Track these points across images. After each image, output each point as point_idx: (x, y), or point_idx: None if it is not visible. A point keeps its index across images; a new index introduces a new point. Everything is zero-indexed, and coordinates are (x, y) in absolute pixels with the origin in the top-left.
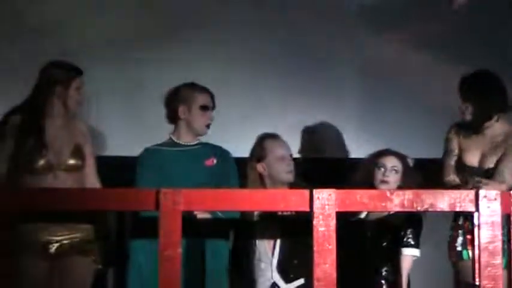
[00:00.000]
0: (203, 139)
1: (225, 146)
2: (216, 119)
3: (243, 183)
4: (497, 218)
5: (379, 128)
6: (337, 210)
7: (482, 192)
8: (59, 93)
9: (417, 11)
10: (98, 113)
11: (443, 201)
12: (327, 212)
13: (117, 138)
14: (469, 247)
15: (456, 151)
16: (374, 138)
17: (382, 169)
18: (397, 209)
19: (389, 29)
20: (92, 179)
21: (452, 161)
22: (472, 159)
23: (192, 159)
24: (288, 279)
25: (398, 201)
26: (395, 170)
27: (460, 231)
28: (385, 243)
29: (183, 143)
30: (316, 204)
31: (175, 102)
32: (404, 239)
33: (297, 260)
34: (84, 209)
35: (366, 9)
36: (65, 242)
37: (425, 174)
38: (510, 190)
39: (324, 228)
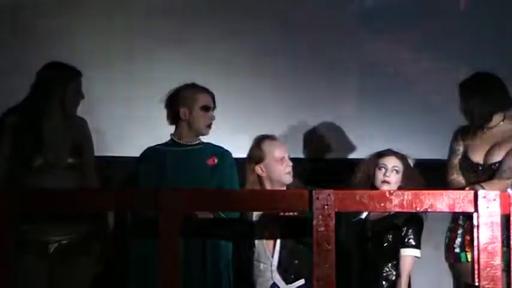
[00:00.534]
0: (205, 139)
1: (225, 146)
2: (217, 119)
3: (243, 183)
4: (497, 219)
5: (380, 128)
6: (336, 210)
7: (481, 192)
8: (57, 93)
9: (416, 12)
10: (98, 113)
11: (443, 201)
12: (327, 213)
13: (116, 138)
14: (468, 249)
15: (460, 150)
16: (375, 138)
17: (383, 169)
18: (397, 209)
19: (389, 31)
20: (91, 178)
21: (456, 161)
22: (478, 156)
23: (193, 159)
24: (288, 280)
25: (397, 201)
26: (396, 170)
27: (459, 233)
28: (385, 244)
29: (184, 143)
30: (316, 204)
31: (176, 104)
32: (405, 240)
33: (297, 260)
34: (82, 211)
35: (366, 12)
36: (63, 241)
37: (426, 174)
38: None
39: (323, 229)
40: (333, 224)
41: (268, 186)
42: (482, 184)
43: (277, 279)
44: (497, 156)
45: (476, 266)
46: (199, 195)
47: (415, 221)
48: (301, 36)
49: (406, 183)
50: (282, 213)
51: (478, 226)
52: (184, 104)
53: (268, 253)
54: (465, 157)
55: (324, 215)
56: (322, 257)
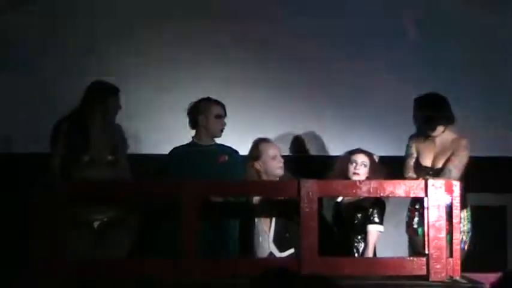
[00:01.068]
0: (218, 141)
1: (233, 146)
2: (233, 125)
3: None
4: (442, 202)
5: (352, 131)
6: (318, 196)
7: (430, 181)
8: (99, 105)
9: (384, 40)
10: (136, 118)
11: (400, 189)
12: (311, 197)
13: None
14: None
15: (414, 154)
16: (348, 139)
17: (354, 164)
18: (365, 195)
19: (360, 55)
20: (124, 172)
21: (411, 162)
22: (427, 161)
23: (209, 157)
24: (281, 249)
25: (365, 189)
26: (364, 164)
27: (416, 213)
28: (356, 221)
29: (202, 144)
30: (303, 191)
31: (195, 113)
32: (371, 218)
33: (288, 234)
34: (121, 198)
35: (342, 38)
36: (104, 219)
37: (387, 168)
38: None
39: (309, 210)
40: (315, 206)
41: (264, 178)
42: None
43: (273, 248)
44: (441, 162)
45: (426, 239)
46: (213, 184)
47: (379, 204)
48: (287, 56)
49: (372, 175)
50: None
51: (427, 208)
52: (202, 112)
53: (266, 228)
54: (417, 161)
55: (309, 199)
56: (307, 231)
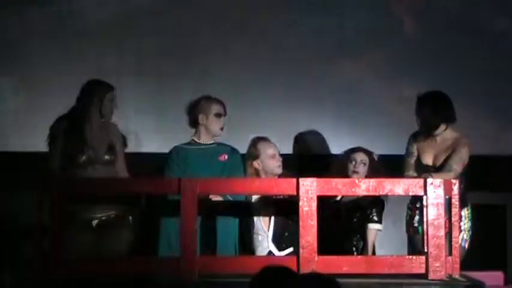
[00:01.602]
0: (218, 139)
1: (233, 145)
2: (233, 123)
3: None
4: (441, 200)
5: (351, 129)
6: (318, 194)
7: (429, 180)
8: (95, 104)
9: (376, 41)
10: (135, 118)
11: (400, 187)
12: (310, 196)
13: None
14: None
15: (415, 153)
16: (347, 138)
17: (354, 162)
18: (364, 193)
19: (360, 54)
20: (122, 171)
21: (412, 161)
22: (428, 159)
23: (209, 156)
24: (280, 248)
25: (364, 187)
26: (363, 163)
27: (417, 212)
28: (355, 220)
29: (202, 143)
30: (302, 189)
31: (195, 111)
32: (370, 217)
33: (287, 233)
34: (122, 193)
35: (339, 42)
36: (104, 218)
37: (386, 166)
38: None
39: (308, 208)
40: (315, 205)
41: (263, 177)
42: (432, 174)
43: (272, 247)
44: (442, 160)
45: (425, 237)
46: (211, 182)
47: (378, 202)
48: (285, 55)
49: (372, 173)
50: (275, 197)
51: (426, 206)
52: (202, 111)
53: (265, 227)
54: (418, 160)
55: (308, 198)
56: (306, 230)
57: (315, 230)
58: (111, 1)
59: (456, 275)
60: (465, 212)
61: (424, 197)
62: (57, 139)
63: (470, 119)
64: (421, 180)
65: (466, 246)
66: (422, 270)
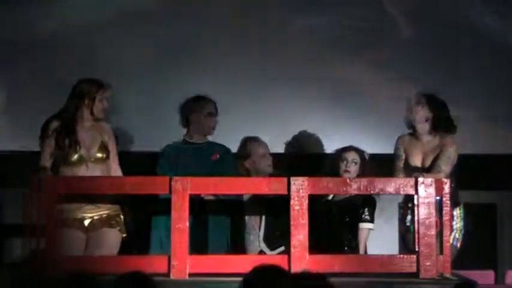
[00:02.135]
0: (211, 138)
1: (225, 144)
2: (224, 123)
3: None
4: (432, 199)
5: (342, 129)
6: (309, 193)
7: (420, 179)
8: (86, 103)
9: (371, 40)
10: (126, 117)
11: (391, 186)
12: (301, 195)
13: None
14: None
15: (403, 156)
16: (338, 137)
17: (345, 161)
18: (355, 192)
19: (352, 54)
20: (115, 169)
21: (401, 164)
22: (416, 161)
23: (201, 155)
24: (271, 247)
25: (356, 186)
26: (354, 162)
27: (409, 211)
28: (347, 219)
29: (194, 142)
30: (293, 188)
31: (187, 111)
32: (362, 216)
33: (278, 232)
34: (112, 193)
35: (334, 41)
36: (96, 217)
37: (377, 165)
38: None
39: (299, 207)
40: (306, 204)
41: (254, 176)
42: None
43: (263, 246)
44: (430, 161)
45: (416, 236)
46: (203, 182)
47: (369, 201)
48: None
49: (363, 172)
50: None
51: (418, 205)
52: (194, 111)
53: (256, 227)
54: (406, 162)
55: (299, 197)
56: (297, 229)
57: (306, 229)
58: (106, 1)
59: (447, 274)
60: (457, 212)
61: (415, 196)
62: (48, 139)
63: (461, 119)
64: (412, 180)
65: (458, 245)
66: (414, 269)
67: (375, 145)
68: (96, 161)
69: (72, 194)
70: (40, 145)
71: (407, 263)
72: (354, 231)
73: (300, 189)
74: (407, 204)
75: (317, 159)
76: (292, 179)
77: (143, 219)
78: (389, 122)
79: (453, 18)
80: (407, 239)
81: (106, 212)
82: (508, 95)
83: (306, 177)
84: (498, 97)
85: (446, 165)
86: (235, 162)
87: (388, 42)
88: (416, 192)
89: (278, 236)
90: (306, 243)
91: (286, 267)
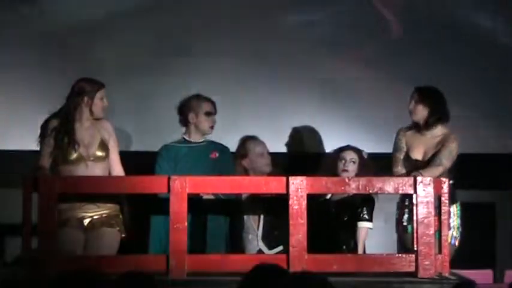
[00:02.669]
0: (209, 137)
1: (223, 143)
2: (223, 122)
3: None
4: (431, 199)
5: (341, 128)
6: (307, 192)
7: (419, 178)
8: (85, 102)
9: (361, 39)
10: (125, 116)
11: (389, 185)
12: (300, 194)
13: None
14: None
15: (404, 148)
16: (337, 136)
17: (343, 161)
18: (354, 192)
19: (347, 53)
20: (117, 168)
21: (400, 156)
22: (417, 154)
23: (199, 154)
24: (270, 247)
25: (354, 185)
26: (353, 161)
27: (406, 210)
28: (345, 218)
29: (193, 141)
30: (291, 188)
31: (185, 110)
32: (361, 215)
33: (277, 231)
34: (111, 192)
35: (324, 41)
36: (95, 217)
37: (376, 164)
38: (444, 173)
39: (298, 207)
40: (305, 204)
41: (252, 175)
42: (421, 171)
43: (262, 246)
44: (431, 155)
45: (415, 235)
46: (202, 181)
47: (368, 201)
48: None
49: (361, 172)
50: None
51: (416, 204)
52: (192, 110)
53: (255, 226)
54: (407, 155)
55: (297, 196)
56: (296, 228)
57: (304, 228)
58: (105, 1)
59: (446, 273)
60: (453, 209)
61: (414, 196)
62: (47, 138)
63: (460, 118)
64: (411, 179)
65: (456, 243)
66: (412, 269)
67: (373, 144)
68: (95, 160)
69: (72, 194)
70: (39, 144)
71: (406, 263)
72: (353, 231)
73: (299, 188)
74: (404, 202)
75: (315, 159)
76: (291, 179)
77: (142, 218)
78: (387, 120)
79: (443, 16)
80: (404, 239)
81: (106, 211)
82: (505, 93)
83: (305, 177)
84: (499, 95)
85: (447, 160)
86: (234, 162)
87: (387, 40)
88: (415, 192)
89: (276, 236)
90: (305, 243)
91: (285, 266)
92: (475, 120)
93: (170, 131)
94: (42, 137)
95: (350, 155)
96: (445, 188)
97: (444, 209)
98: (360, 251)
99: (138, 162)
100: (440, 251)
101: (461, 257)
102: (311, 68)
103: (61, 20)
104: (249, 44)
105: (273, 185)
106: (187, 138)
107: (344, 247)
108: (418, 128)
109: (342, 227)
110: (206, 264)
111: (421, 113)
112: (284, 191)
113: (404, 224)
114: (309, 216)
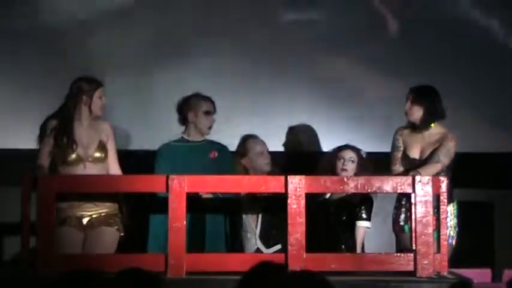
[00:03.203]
0: (208, 136)
1: (223, 142)
2: (222, 121)
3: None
4: (429, 198)
5: (340, 127)
6: (306, 192)
7: (417, 177)
8: (84, 101)
9: (357, 37)
10: (124, 115)
11: (388, 184)
12: (299, 193)
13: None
14: (409, 223)
15: (402, 147)
16: (335, 136)
17: (342, 160)
18: (352, 191)
19: (346, 52)
20: (115, 168)
21: (398, 154)
22: (414, 153)
23: (198, 153)
24: (268, 245)
25: (353, 185)
26: (351, 160)
27: (403, 210)
28: (344, 218)
29: (192, 140)
30: (290, 187)
31: (185, 109)
32: (359, 214)
33: (275, 230)
34: (109, 191)
35: (320, 38)
36: (94, 216)
37: (374, 163)
38: (443, 171)
39: (296, 206)
40: (303, 203)
41: (252, 174)
42: (419, 170)
43: (260, 244)
44: (429, 153)
45: (413, 234)
46: (200, 180)
47: (366, 200)
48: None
49: (360, 171)
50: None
51: (415, 204)
52: (191, 109)
53: (253, 225)
54: (404, 153)
55: (296, 195)
56: (294, 227)
57: (303, 227)
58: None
59: (444, 273)
60: (451, 208)
61: (413, 195)
62: (46, 137)
63: (457, 117)
64: (410, 178)
65: (453, 243)
66: (411, 268)
67: (371, 143)
68: (94, 161)
69: (66, 193)
70: (39, 143)
71: (405, 262)
72: (351, 230)
73: (298, 187)
74: (400, 202)
75: (314, 158)
76: (290, 178)
77: (141, 218)
78: (386, 119)
79: (441, 15)
80: (401, 239)
81: (105, 210)
82: (503, 92)
83: (304, 176)
84: (496, 94)
85: (445, 157)
86: (233, 161)
87: (384, 39)
88: (414, 191)
89: (274, 235)
90: (303, 242)
91: (283, 265)
92: (472, 119)
93: (169, 130)
94: (42, 136)
95: (349, 154)
96: (444, 187)
97: (443, 208)
98: (358, 250)
99: (137, 161)
100: (438, 250)
101: (460, 256)
102: (309, 67)
103: (60, 18)
104: (251, 42)
105: (271, 184)
106: (186, 137)
107: (343, 246)
108: (415, 127)
109: (340, 226)
110: (205, 264)
111: (417, 113)
112: (283, 190)
113: (401, 223)
114: (307, 215)
